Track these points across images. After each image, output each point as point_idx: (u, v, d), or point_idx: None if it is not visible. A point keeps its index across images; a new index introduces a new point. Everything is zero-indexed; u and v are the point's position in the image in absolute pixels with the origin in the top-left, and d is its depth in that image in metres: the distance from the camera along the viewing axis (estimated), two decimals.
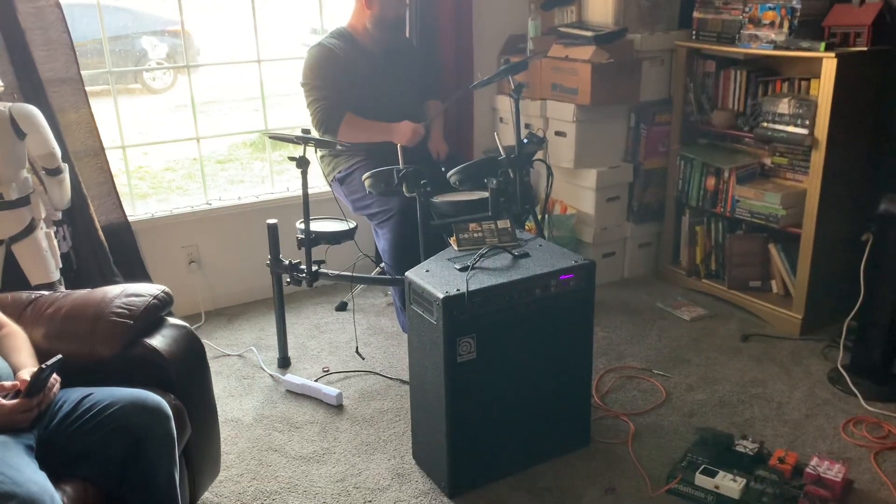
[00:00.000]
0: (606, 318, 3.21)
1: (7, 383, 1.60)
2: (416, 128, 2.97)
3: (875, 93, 2.84)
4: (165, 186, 5.69)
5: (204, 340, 2.98)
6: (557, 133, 3.44)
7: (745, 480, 2.09)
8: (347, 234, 2.80)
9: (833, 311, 2.90)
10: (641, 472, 2.21)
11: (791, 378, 2.73)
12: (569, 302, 2.19)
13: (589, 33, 3.27)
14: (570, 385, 2.28)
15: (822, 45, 2.74)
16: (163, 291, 2.01)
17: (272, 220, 2.78)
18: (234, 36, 3.76)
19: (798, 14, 2.86)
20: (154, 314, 1.96)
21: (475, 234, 2.34)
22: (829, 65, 2.71)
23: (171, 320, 2.01)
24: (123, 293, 1.96)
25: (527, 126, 3.50)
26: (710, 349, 2.95)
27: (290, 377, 2.74)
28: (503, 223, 2.39)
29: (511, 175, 2.69)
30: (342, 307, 3.38)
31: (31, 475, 1.43)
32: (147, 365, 1.86)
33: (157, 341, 1.90)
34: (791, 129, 2.91)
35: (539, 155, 3.09)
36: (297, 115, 3.49)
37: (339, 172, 3.05)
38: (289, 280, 2.80)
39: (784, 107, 2.94)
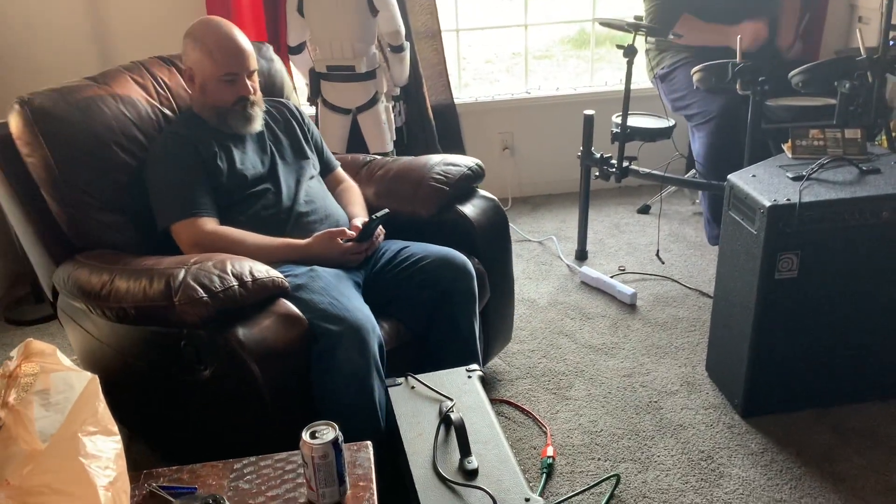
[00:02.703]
0: None
1: (343, 229, 1.83)
2: (759, 29, 2.68)
3: None
4: (485, 78, 5.91)
5: (510, 224, 3.15)
6: None
7: None
8: (664, 133, 2.68)
9: None
10: None
11: None
12: None
13: None
14: None
15: None
16: (476, 164, 2.12)
17: (589, 112, 2.74)
18: None
19: None
20: (467, 183, 2.09)
21: (816, 142, 2.09)
22: None
23: (482, 192, 2.13)
24: (443, 161, 2.11)
25: (894, 27, 2.98)
26: None
27: (587, 269, 2.77)
28: (852, 133, 2.09)
29: (869, 80, 2.33)
30: (645, 210, 3.29)
31: (358, 305, 1.63)
32: (457, 228, 2.00)
33: (468, 209, 2.03)
34: None
35: None
36: (628, 6, 3.35)
37: (662, 69, 2.89)
38: (597, 174, 2.78)
39: None
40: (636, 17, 2.55)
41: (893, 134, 2.71)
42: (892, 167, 1.99)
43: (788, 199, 1.82)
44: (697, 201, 3.23)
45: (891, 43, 2.45)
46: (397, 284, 1.82)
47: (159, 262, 1.60)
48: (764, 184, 1.92)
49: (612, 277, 2.73)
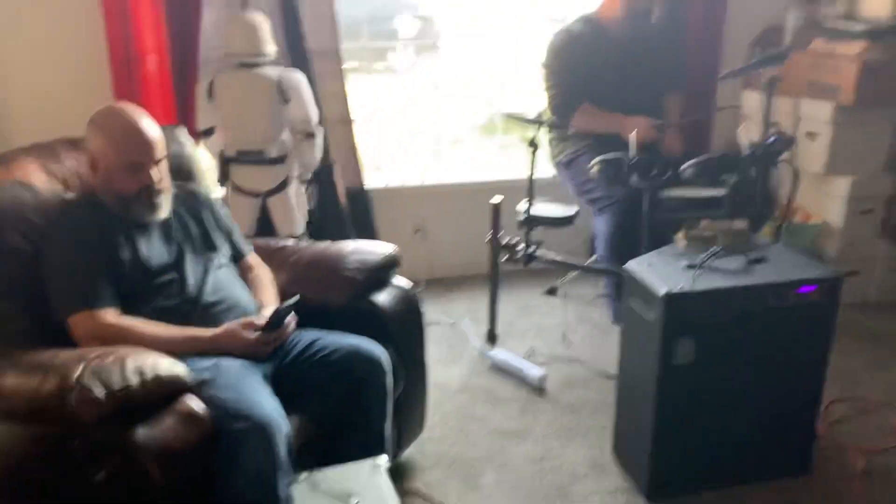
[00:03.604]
0: (843, 341, 2.86)
1: (252, 319, 1.79)
2: (649, 128, 2.86)
3: None
4: (399, 161, 6.02)
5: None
6: (809, 133, 3.16)
7: None
8: (567, 220, 2.80)
9: None
10: None
11: None
12: (805, 317, 2.02)
13: (860, 27, 2.95)
14: (794, 406, 2.10)
15: None
16: (391, 252, 2.14)
17: (497, 199, 2.84)
18: (476, 20, 3.88)
19: None
20: (382, 272, 2.10)
21: (707, 232, 2.22)
22: None
23: (396, 280, 2.14)
24: (357, 250, 2.12)
25: (773, 124, 3.25)
26: None
27: (497, 352, 2.80)
28: (740, 224, 2.24)
29: (752, 174, 2.52)
30: (552, 291, 3.39)
31: (266, 399, 1.60)
32: (371, 317, 2.00)
33: (382, 298, 2.04)
34: None
35: (785, 156, 2.85)
36: (532, 98, 3.53)
37: (566, 156, 3.04)
38: (505, 258, 2.85)
39: None
40: (538, 113, 2.69)
41: (777, 223, 2.92)
42: (777, 256, 2.14)
43: (683, 288, 1.93)
44: (601, 284, 3.35)
45: (771, 139, 2.67)
46: (308, 376, 1.79)
47: (54, 357, 1.52)
48: (660, 272, 2.03)
49: (521, 360, 2.77)
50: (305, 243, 2.27)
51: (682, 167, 2.56)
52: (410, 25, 3.78)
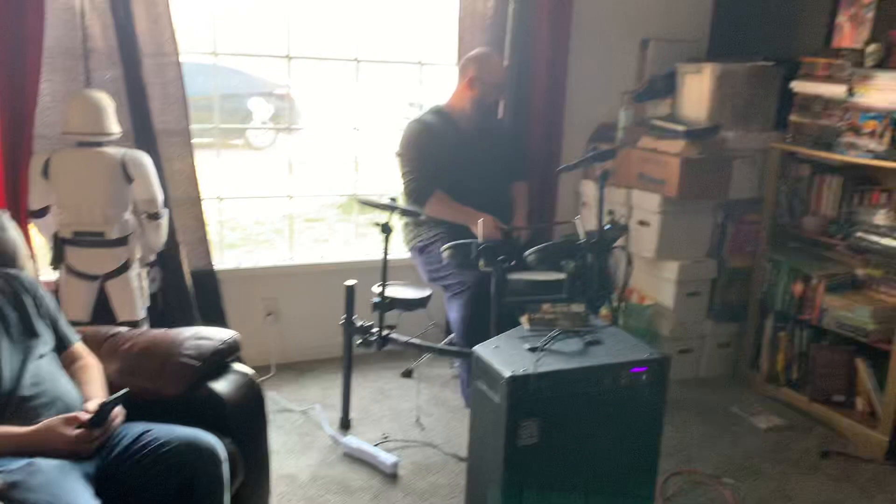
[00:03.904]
0: (677, 416, 3.09)
1: (74, 414, 1.66)
2: (494, 230, 2.97)
3: None
4: (254, 240, 5.92)
5: (271, 393, 3.08)
6: (641, 222, 3.42)
7: None
8: (421, 302, 2.84)
9: None
10: None
11: None
12: (638, 396, 2.12)
13: (681, 128, 3.27)
14: (633, 483, 2.19)
15: None
16: (231, 337, 2.07)
17: (351, 282, 2.84)
18: (335, 101, 3.95)
19: None
20: (220, 358, 2.02)
21: (548, 316, 2.32)
22: None
23: (237, 367, 2.07)
24: (194, 336, 2.03)
25: (610, 212, 3.50)
26: (785, 462, 2.80)
27: (350, 439, 2.75)
28: (578, 307, 2.36)
29: (589, 260, 2.68)
30: (408, 374, 3.39)
31: (86, 503, 1.47)
32: (209, 407, 1.91)
33: (221, 385, 1.96)
34: (887, 241, 2.80)
35: (620, 242, 3.07)
36: (387, 181, 3.61)
37: (420, 241, 3.11)
38: (359, 342, 2.84)
39: (881, 218, 2.84)
40: (391, 198, 2.75)
41: (615, 305, 3.10)
42: (612, 338, 2.26)
43: (525, 370, 1.99)
44: (456, 364, 3.39)
45: (606, 227, 2.87)
46: (137, 473, 1.66)
47: None
48: (505, 355, 2.09)
49: (374, 446, 2.72)
50: (142, 330, 2.15)
51: (526, 253, 2.69)
52: (264, 107, 3.80)
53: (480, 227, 2.67)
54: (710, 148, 3.24)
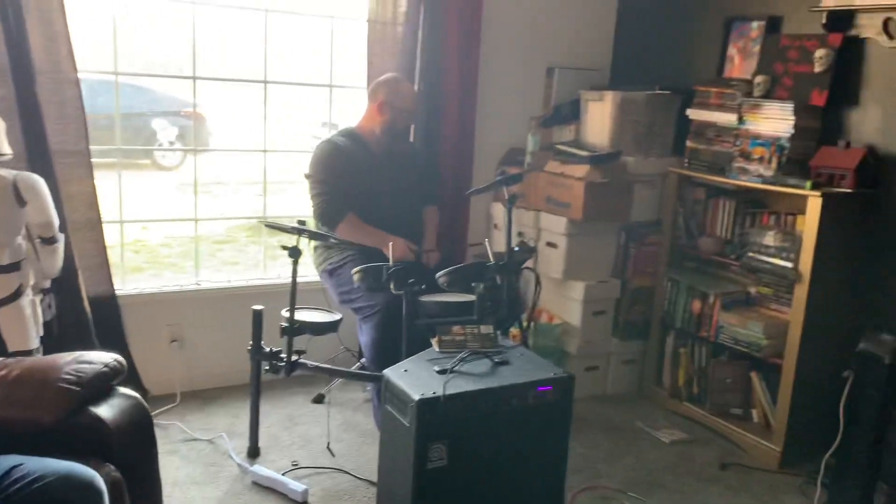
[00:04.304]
0: (585, 433, 3.17)
1: None
2: (406, 251, 3.00)
3: (859, 233, 2.91)
4: (160, 262, 5.73)
5: (176, 422, 2.98)
6: (549, 244, 3.50)
7: None
8: (331, 326, 2.81)
9: (813, 447, 2.86)
10: None
11: None
12: (545, 415, 2.17)
13: (584, 153, 3.39)
14: (542, 500, 2.23)
15: (809, 183, 2.83)
16: (115, 360, 1.96)
17: (258, 306, 2.79)
18: (246, 122, 3.89)
19: (787, 152, 2.97)
20: (104, 382, 1.92)
21: (458, 338, 2.35)
22: (815, 203, 2.79)
23: (122, 390, 1.97)
24: (75, 360, 1.92)
25: (520, 234, 3.58)
26: (687, 475, 2.90)
27: (258, 468, 2.68)
28: (486, 328, 2.40)
29: (498, 281, 2.73)
30: (319, 399, 3.34)
31: None
32: (90, 434, 1.81)
33: (104, 410, 1.85)
34: (776, 261, 2.98)
35: (529, 263, 3.14)
36: (297, 203, 3.57)
37: (330, 264, 3.08)
38: (267, 368, 2.79)
39: (770, 239, 3.01)
40: (299, 221, 2.72)
41: (524, 325, 3.17)
42: (519, 358, 2.31)
43: (434, 393, 2.00)
44: (368, 388, 3.37)
45: (515, 248, 2.93)
46: None
47: None
48: (414, 378, 2.10)
49: (283, 474, 2.67)
50: (20, 359, 2.03)
51: (437, 275, 2.71)
52: (168, 128, 3.70)
53: (392, 249, 2.68)
54: (613, 172, 3.36)
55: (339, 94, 3.60)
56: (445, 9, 3.40)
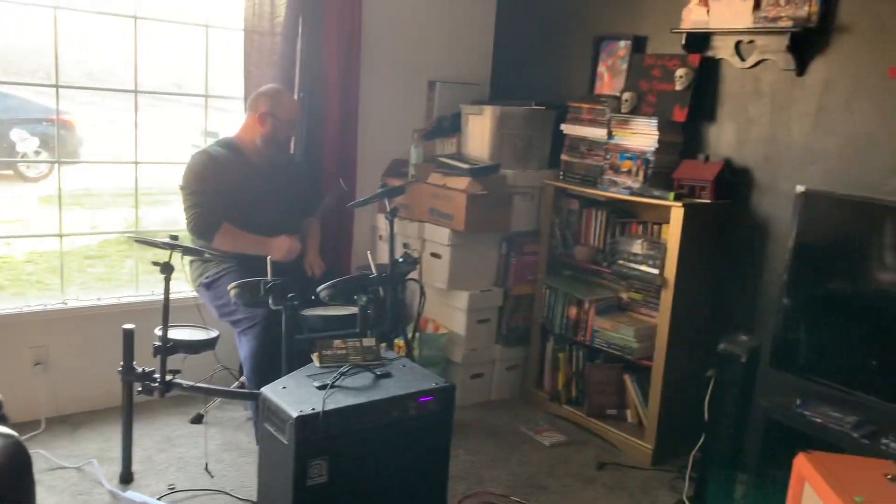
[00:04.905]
0: (470, 439, 3.23)
1: None
2: (293, 244, 2.98)
3: (718, 241, 3.12)
4: (23, 280, 5.36)
5: (40, 451, 2.81)
6: (433, 254, 3.55)
7: None
8: (207, 344, 2.73)
9: (682, 443, 3.03)
10: None
11: None
12: (427, 425, 2.20)
13: (465, 165, 3.46)
14: None
15: (672, 194, 3.01)
16: None
17: (128, 325, 2.67)
18: (118, 131, 3.71)
19: (652, 165, 3.15)
20: None
21: (339, 351, 2.34)
22: (677, 213, 2.97)
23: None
24: None
25: (405, 245, 3.60)
26: (566, 476, 3.01)
27: (131, 494, 2.56)
28: (368, 341, 2.40)
29: (381, 293, 2.74)
30: (198, 419, 3.23)
31: None
32: None
33: None
34: (644, 268, 3.14)
35: (413, 274, 3.16)
36: (173, 216, 3.44)
37: (207, 277, 2.99)
38: (140, 389, 2.67)
39: (638, 248, 3.17)
40: (171, 236, 2.63)
41: (410, 335, 3.19)
42: (402, 370, 2.32)
43: (314, 409, 1.98)
44: (250, 406, 3.29)
45: (399, 260, 2.95)
46: None
47: None
48: (293, 394, 2.07)
49: (159, 499, 2.56)
50: None
51: (319, 288, 2.69)
52: (28, 139, 3.49)
53: (274, 249, 2.63)
54: (493, 185, 3.45)
55: (217, 105, 3.51)
56: (324, 21, 3.39)
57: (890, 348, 2.45)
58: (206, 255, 2.80)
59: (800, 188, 2.68)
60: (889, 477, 1.95)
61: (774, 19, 2.86)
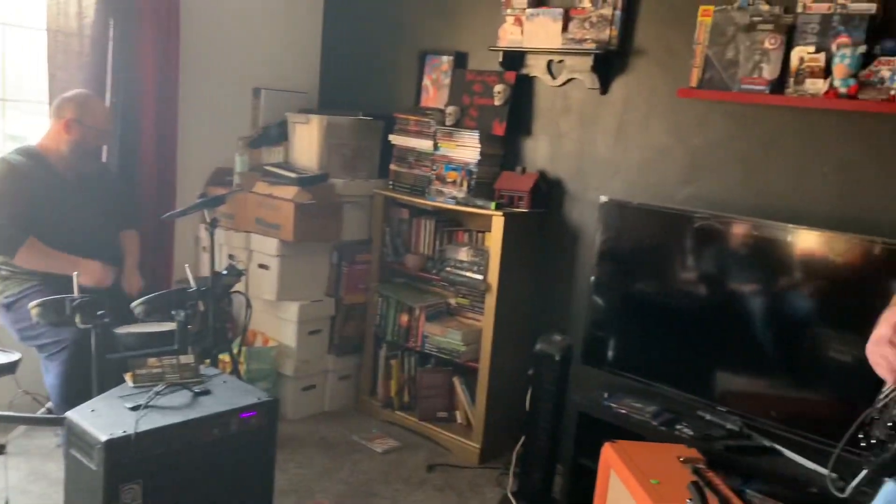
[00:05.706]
0: (302, 452, 3.19)
1: None
2: (105, 274, 2.80)
3: (534, 247, 3.31)
4: None
5: None
6: (261, 265, 3.48)
7: None
8: (7, 368, 2.51)
9: (507, 441, 3.17)
10: None
11: None
12: (250, 440, 2.16)
13: (293, 174, 3.43)
14: None
15: (494, 204, 3.15)
16: None
17: None
18: None
19: (475, 176, 3.28)
20: None
21: (154, 370, 2.24)
22: (498, 221, 3.12)
23: None
24: None
25: (231, 257, 3.50)
26: (397, 481, 3.05)
27: None
28: (186, 358, 2.32)
29: (202, 307, 2.65)
30: (0, 450, 2.95)
31: None
32: None
33: None
34: (469, 274, 3.27)
35: (239, 286, 3.08)
36: None
37: (6, 297, 2.75)
38: None
39: (464, 255, 3.30)
40: None
41: (237, 350, 3.11)
42: (222, 386, 2.26)
43: (125, 431, 1.89)
44: (59, 433, 3.06)
45: (223, 272, 2.86)
46: None
47: None
48: (102, 418, 1.96)
49: None
50: None
51: (133, 304, 2.55)
52: None
53: (86, 273, 2.47)
54: (322, 194, 3.44)
55: (16, 109, 3.24)
56: (138, 22, 3.23)
57: (684, 343, 2.71)
58: (3, 272, 2.57)
59: (603, 198, 2.91)
60: (682, 459, 2.16)
61: (580, 41, 3.08)
